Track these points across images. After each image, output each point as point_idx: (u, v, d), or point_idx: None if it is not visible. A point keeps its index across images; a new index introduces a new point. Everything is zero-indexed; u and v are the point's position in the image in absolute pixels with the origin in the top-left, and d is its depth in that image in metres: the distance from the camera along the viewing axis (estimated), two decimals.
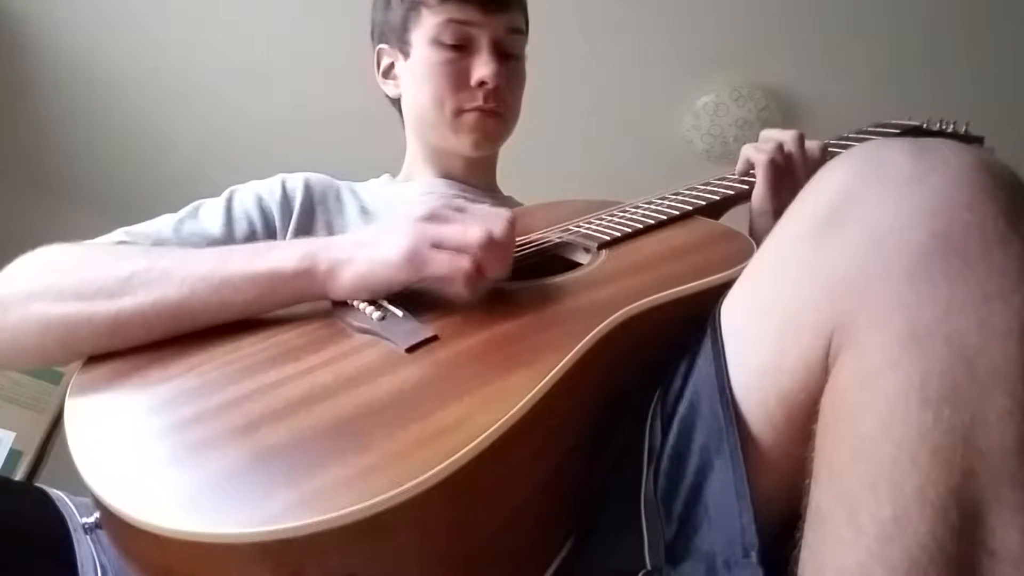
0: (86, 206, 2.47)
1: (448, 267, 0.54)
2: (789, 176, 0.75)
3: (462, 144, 0.91)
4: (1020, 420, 0.35)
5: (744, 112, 2.10)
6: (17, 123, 2.26)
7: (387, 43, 0.94)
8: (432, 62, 0.87)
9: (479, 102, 0.87)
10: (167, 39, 1.98)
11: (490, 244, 0.54)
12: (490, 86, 0.86)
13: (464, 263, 0.54)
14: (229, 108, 2.18)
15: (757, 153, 0.77)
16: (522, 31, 0.93)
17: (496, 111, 0.89)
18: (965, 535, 0.34)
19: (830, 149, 0.81)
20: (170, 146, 2.33)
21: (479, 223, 0.55)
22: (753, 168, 0.78)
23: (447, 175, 0.95)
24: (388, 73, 0.96)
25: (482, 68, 0.86)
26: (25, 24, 1.96)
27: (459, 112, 0.88)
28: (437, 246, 0.55)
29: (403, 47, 0.92)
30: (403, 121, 1.02)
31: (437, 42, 0.87)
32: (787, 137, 0.78)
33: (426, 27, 0.88)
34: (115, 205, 2.44)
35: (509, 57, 0.90)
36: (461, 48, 0.87)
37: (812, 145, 0.79)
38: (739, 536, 0.42)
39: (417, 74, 0.90)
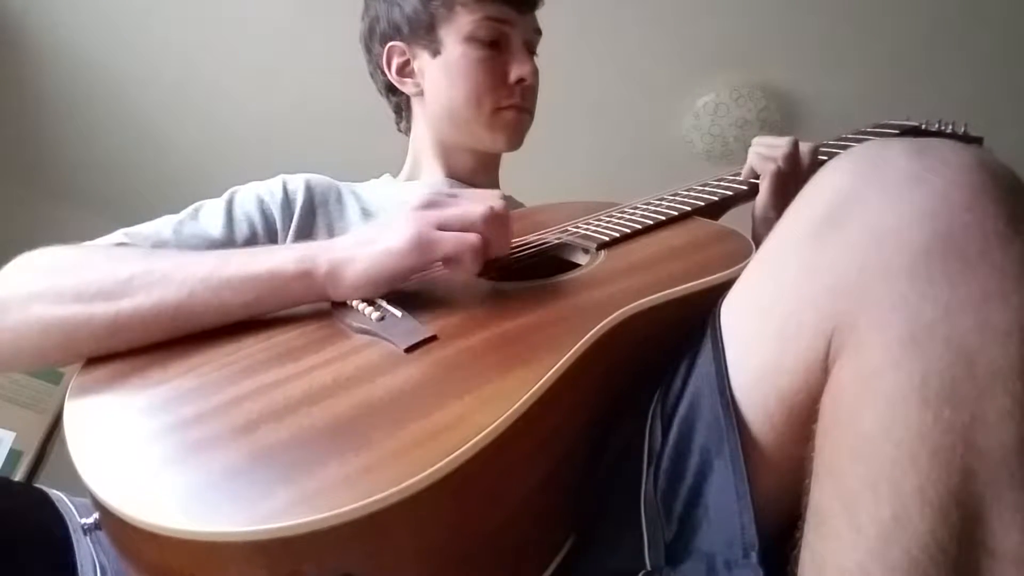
0: (86, 206, 2.47)
1: (456, 245, 0.55)
2: (794, 184, 0.76)
3: (496, 141, 0.92)
4: (1020, 420, 0.35)
5: (744, 112, 2.10)
6: (17, 123, 2.27)
7: (402, 40, 0.93)
8: (470, 59, 0.88)
9: (516, 99, 0.90)
10: (167, 39, 1.98)
11: (493, 218, 0.56)
12: (528, 83, 0.89)
13: (472, 238, 0.55)
14: (229, 108, 2.18)
15: (763, 163, 0.78)
16: (540, 31, 0.95)
17: (528, 109, 0.92)
18: (965, 535, 0.34)
19: (828, 150, 0.82)
20: (170, 146, 2.33)
21: (477, 200, 0.57)
22: (757, 177, 0.79)
23: (454, 174, 0.96)
24: (403, 71, 0.94)
25: (522, 66, 0.89)
26: (25, 24, 1.96)
27: (496, 109, 0.89)
28: (442, 227, 0.56)
29: (431, 44, 0.90)
30: (402, 119, 1.02)
31: (473, 39, 0.88)
32: (805, 148, 0.79)
33: (460, 24, 0.88)
34: (115, 205, 2.44)
35: (533, 55, 0.93)
36: (495, 46, 0.89)
37: (804, 148, 0.80)
38: (739, 536, 0.42)
39: (452, 71, 0.89)
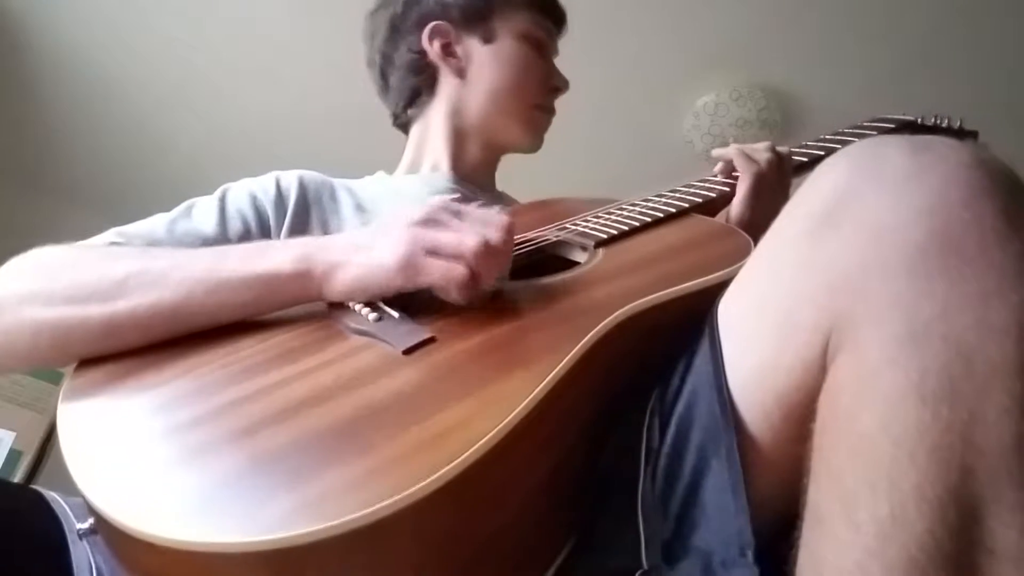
0: (86, 206, 2.47)
1: (442, 275, 0.53)
2: (778, 188, 0.78)
3: (525, 137, 0.97)
4: (1018, 418, 0.35)
5: (744, 112, 2.10)
6: (17, 123, 2.26)
7: (449, 22, 0.96)
8: (524, 53, 0.95)
9: (550, 103, 0.98)
10: (167, 39, 1.98)
11: (486, 252, 0.53)
12: (562, 93, 0.99)
13: (459, 271, 0.53)
14: (229, 108, 2.18)
15: (747, 163, 0.79)
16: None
17: (553, 116, 0.99)
18: (964, 534, 0.34)
19: (809, 150, 0.84)
20: (170, 146, 2.33)
21: (476, 230, 0.55)
22: (734, 173, 0.80)
23: (459, 166, 0.96)
24: (445, 50, 0.97)
25: (560, 76, 0.99)
26: (25, 24, 1.96)
27: (534, 105, 0.96)
28: (432, 253, 0.54)
29: (483, 31, 0.95)
30: (411, 105, 1.01)
31: (526, 39, 0.95)
32: (783, 152, 0.81)
33: (516, 22, 0.95)
34: (115, 205, 2.44)
35: None
36: (539, 51, 0.96)
37: (781, 151, 0.82)
38: (735, 536, 0.42)
39: (504, 59, 0.95)
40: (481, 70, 0.95)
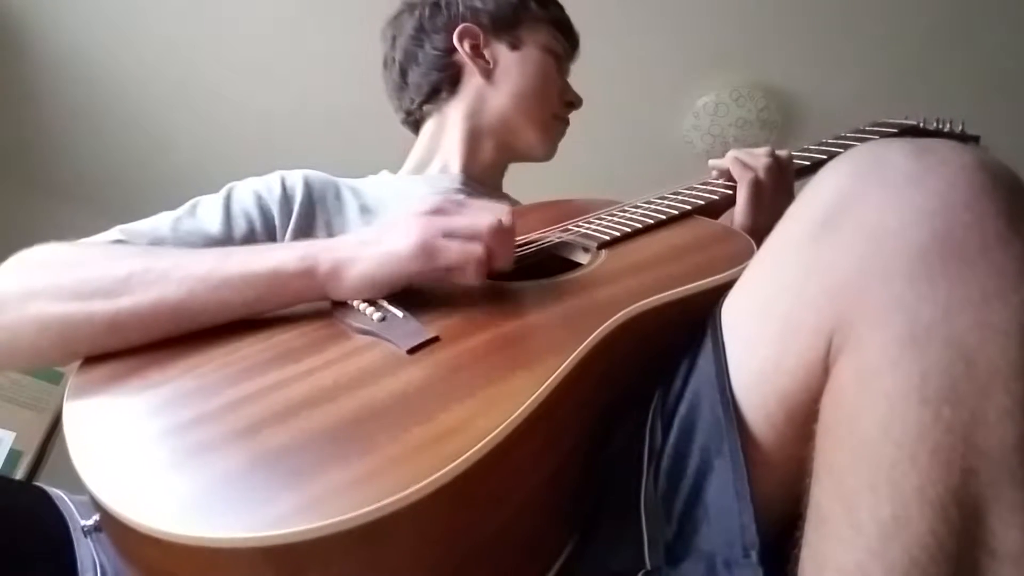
0: (86, 206, 2.47)
1: (460, 255, 0.55)
2: (779, 192, 0.78)
3: (541, 143, 1.01)
4: (1019, 419, 0.35)
5: (744, 112, 2.10)
6: (17, 123, 2.26)
7: (479, 24, 0.99)
8: (549, 65, 1.00)
9: (565, 116, 1.04)
10: (167, 38, 1.98)
11: (499, 230, 0.56)
12: (576, 108, 1.05)
13: (476, 249, 0.55)
14: (229, 108, 2.18)
15: (743, 171, 0.79)
16: None
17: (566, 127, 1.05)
18: (965, 534, 0.34)
19: (810, 154, 0.84)
20: (170, 145, 2.33)
21: (485, 212, 0.57)
22: (732, 180, 0.80)
23: (470, 168, 0.97)
24: (474, 50, 0.99)
25: (574, 92, 1.05)
26: (25, 24, 1.96)
27: (553, 115, 1.01)
28: (448, 235, 0.56)
29: (510, 39, 0.99)
30: (429, 102, 1.01)
31: (550, 52, 1.01)
32: (783, 156, 0.82)
33: (542, 36, 1.01)
34: (115, 205, 2.44)
35: None
36: (557, 66, 1.02)
37: (781, 155, 0.82)
38: (739, 536, 0.42)
39: (530, 66, 0.99)
40: (507, 73, 0.99)
